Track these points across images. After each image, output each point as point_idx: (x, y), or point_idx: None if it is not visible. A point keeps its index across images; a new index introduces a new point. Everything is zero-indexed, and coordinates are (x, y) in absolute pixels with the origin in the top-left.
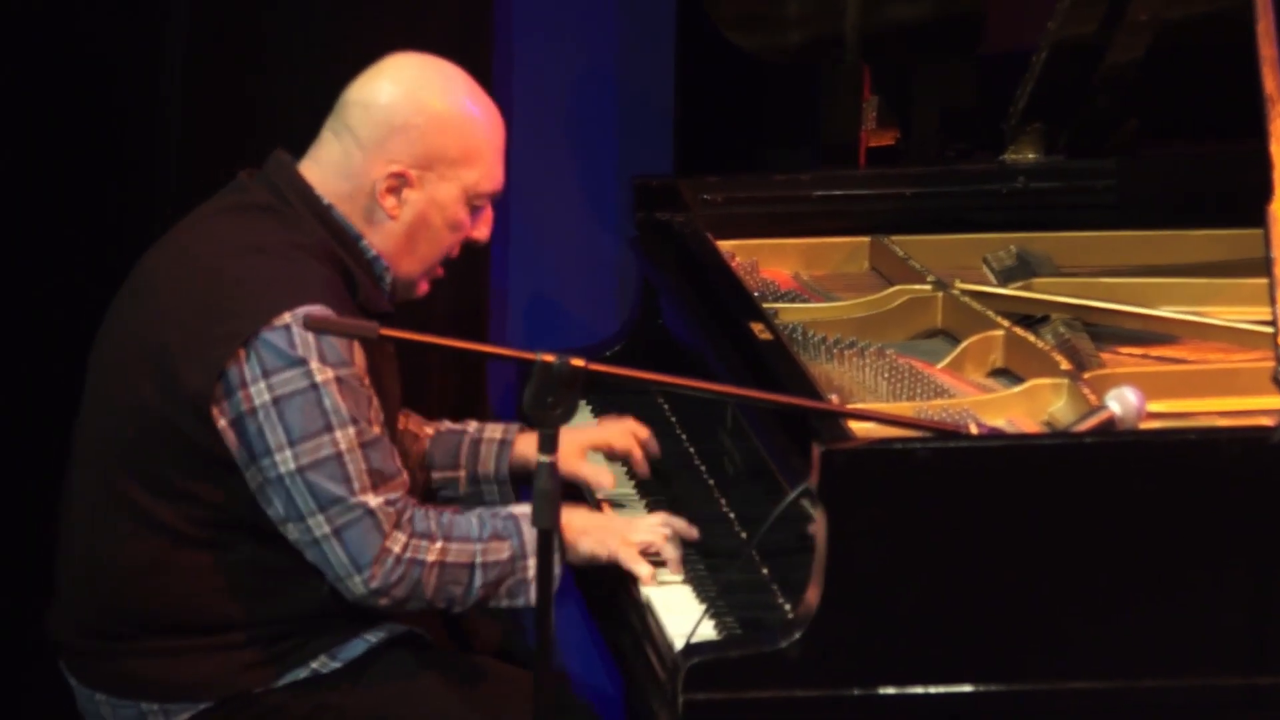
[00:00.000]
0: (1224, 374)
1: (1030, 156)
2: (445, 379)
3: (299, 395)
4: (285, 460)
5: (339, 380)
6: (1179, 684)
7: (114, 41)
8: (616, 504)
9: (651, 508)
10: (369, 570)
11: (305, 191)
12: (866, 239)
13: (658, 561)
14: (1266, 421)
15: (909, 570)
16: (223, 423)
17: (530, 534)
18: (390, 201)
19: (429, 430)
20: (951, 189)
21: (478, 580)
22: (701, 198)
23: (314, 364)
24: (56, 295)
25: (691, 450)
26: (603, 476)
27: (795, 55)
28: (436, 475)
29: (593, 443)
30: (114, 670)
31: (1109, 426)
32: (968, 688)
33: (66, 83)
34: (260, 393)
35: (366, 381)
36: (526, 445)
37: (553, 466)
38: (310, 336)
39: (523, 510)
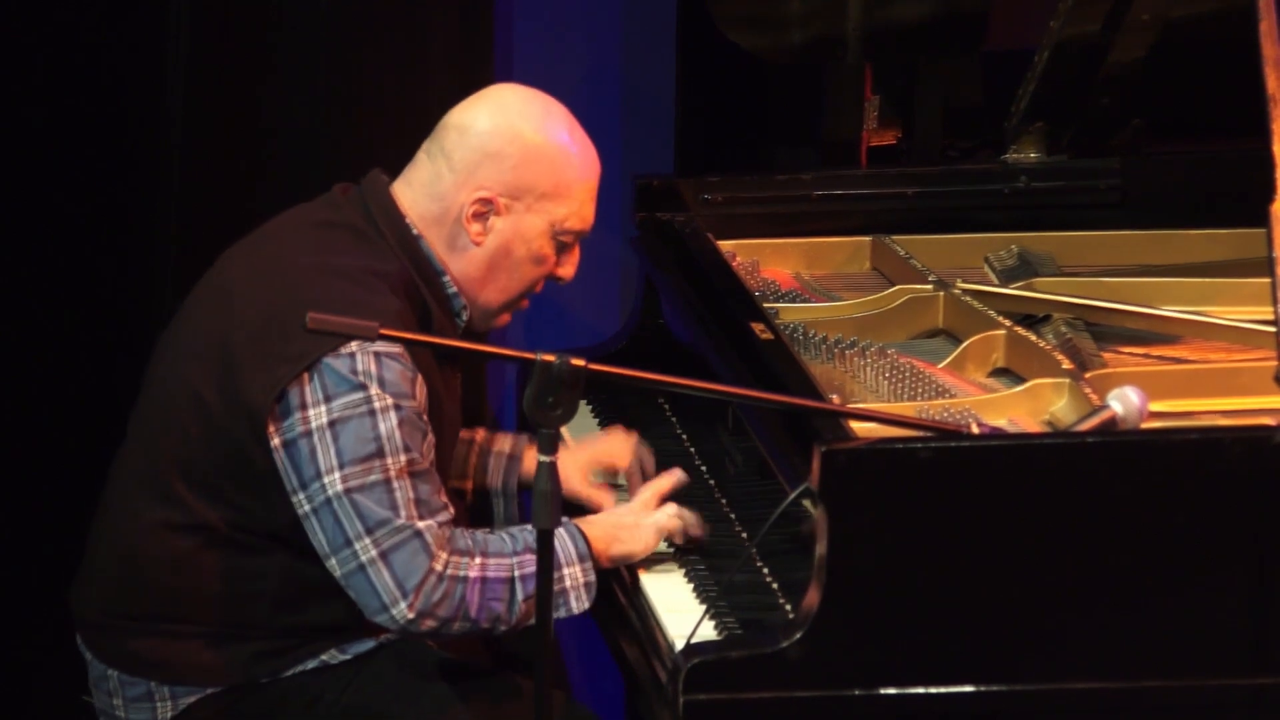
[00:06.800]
0: (1226, 374)
1: (1032, 156)
2: None
3: (355, 419)
4: (333, 482)
5: (397, 409)
6: (1181, 684)
7: (117, 44)
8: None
9: None
10: (413, 595)
11: (396, 219)
12: (868, 239)
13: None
14: (1268, 421)
15: (910, 570)
16: (276, 441)
17: (562, 545)
18: (475, 227)
19: None
20: (953, 188)
21: (519, 594)
22: (702, 197)
23: (374, 390)
24: (59, 296)
25: (692, 450)
26: (605, 500)
27: (797, 55)
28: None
29: (596, 461)
30: (128, 649)
31: (1111, 426)
32: (969, 688)
33: (70, 85)
34: (318, 415)
35: (425, 418)
36: (534, 460)
37: (553, 467)
38: (373, 363)
39: None
